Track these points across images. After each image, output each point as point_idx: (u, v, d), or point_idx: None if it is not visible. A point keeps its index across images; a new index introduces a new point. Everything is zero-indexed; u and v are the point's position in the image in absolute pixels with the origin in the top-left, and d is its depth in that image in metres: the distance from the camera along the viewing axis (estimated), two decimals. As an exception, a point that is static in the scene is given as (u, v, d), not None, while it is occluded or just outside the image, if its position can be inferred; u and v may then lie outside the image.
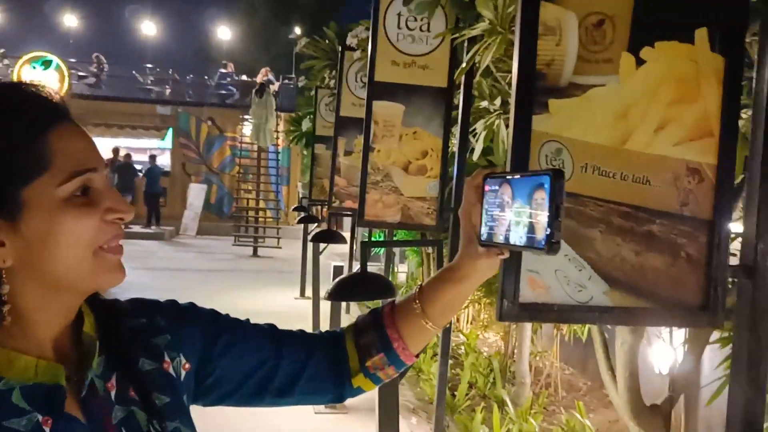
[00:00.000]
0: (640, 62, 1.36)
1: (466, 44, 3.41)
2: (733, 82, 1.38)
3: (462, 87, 3.52)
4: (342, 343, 0.98)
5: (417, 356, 1.01)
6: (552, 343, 5.67)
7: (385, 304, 1.00)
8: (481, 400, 5.06)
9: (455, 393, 5.05)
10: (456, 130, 3.64)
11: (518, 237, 0.85)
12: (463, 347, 6.13)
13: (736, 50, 1.38)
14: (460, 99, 3.55)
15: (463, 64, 3.42)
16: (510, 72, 3.51)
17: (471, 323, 6.93)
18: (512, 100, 1.33)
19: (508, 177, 0.89)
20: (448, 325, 3.62)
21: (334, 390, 0.98)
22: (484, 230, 0.92)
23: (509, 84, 3.66)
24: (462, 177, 3.64)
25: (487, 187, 0.93)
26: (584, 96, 1.35)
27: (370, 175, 3.60)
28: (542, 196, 0.80)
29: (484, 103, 3.78)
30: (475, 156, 3.81)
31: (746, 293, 1.37)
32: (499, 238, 0.89)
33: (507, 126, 3.80)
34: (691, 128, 1.37)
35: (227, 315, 0.99)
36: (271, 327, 1.00)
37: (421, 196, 3.63)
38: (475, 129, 3.71)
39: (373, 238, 6.15)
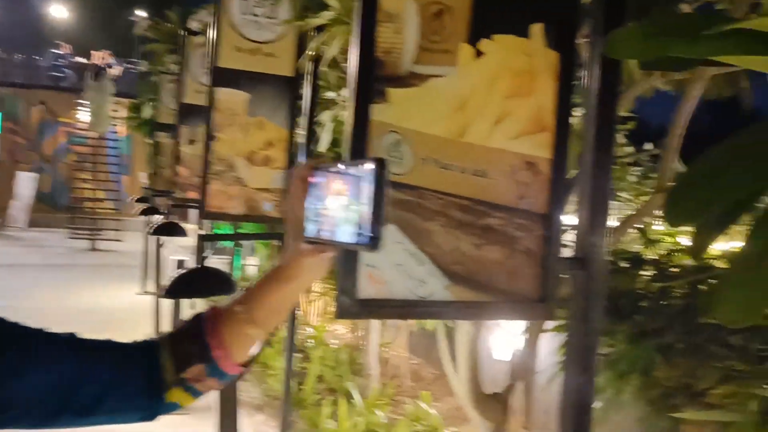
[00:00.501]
0: (478, 54, 1.35)
1: (312, 33, 3.35)
2: (566, 79, 1.40)
3: (308, 76, 3.45)
4: (156, 354, 0.88)
5: (246, 365, 0.91)
6: (399, 334, 5.75)
7: (208, 307, 0.90)
8: (329, 394, 5.03)
9: (304, 387, 4.99)
10: (302, 121, 3.56)
11: (344, 233, 0.78)
12: (312, 340, 6.08)
13: (568, 47, 1.40)
14: (306, 89, 3.47)
15: (309, 53, 3.35)
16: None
17: (320, 316, 6.89)
18: (350, 88, 1.27)
19: (333, 168, 0.83)
20: (291, 320, 3.54)
21: (145, 406, 0.87)
22: (309, 226, 0.86)
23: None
24: (308, 168, 3.57)
25: (313, 179, 0.86)
26: (424, 86, 1.32)
27: (213, 165, 3.43)
28: (367, 188, 0.74)
29: (331, 94, 3.73)
30: (322, 147, 3.76)
31: (579, 284, 1.40)
32: (325, 235, 0.82)
33: (354, 117, 3.78)
34: (528, 122, 1.38)
35: (15, 324, 0.84)
36: (71, 336, 0.87)
37: (266, 187, 3.52)
38: (321, 120, 3.65)
39: (217, 231, 5.94)
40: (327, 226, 0.82)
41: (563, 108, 1.40)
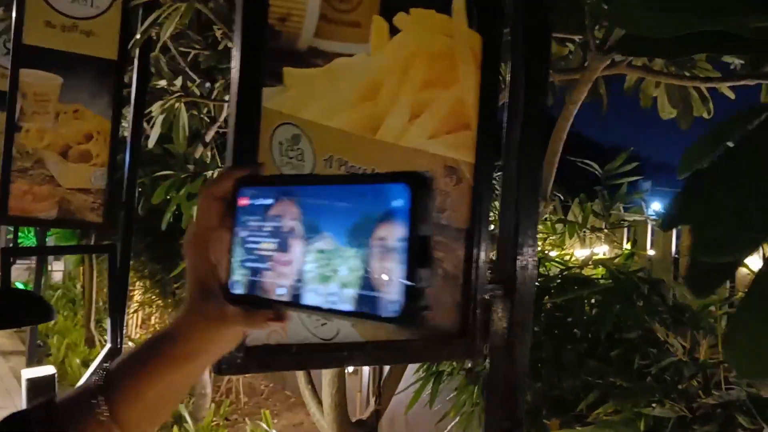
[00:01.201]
0: (393, 30, 1.08)
1: (141, 11, 2.90)
2: (490, 68, 1.17)
3: (136, 61, 3.00)
4: None
5: None
6: (232, 346, 5.31)
7: (37, 403, 0.55)
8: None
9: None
10: (128, 112, 3.09)
11: (328, 295, 0.47)
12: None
13: (493, 28, 1.17)
14: (133, 75, 3.02)
15: (138, 35, 2.90)
16: (195, 48, 3.07)
17: (141, 327, 6.27)
18: (234, 65, 0.95)
19: (292, 187, 0.52)
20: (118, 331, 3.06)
21: None
22: (238, 276, 0.54)
23: (194, 63, 3.22)
24: (135, 166, 3.12)
25: (244, 201, 0.55)
26: (328, 67, 1.02)
27: (17, 160, 2.87)
28: (388, 226, 0.43)
29: (163, 83, 3.29)
30: (151, 143, 3.31)
31: (503, 312, 1.17)
32: (277, 294, 0.51)
33: (188, 110, 3.36)
34: (447, 117, 1.13)
35: None
36: None
37: (85, 187, 3.00)
38: (151, 112, 3.20)
39: (20, 238, 5.17)
40: (281, 279, 0.50)
41: (487, 102, 1.17)
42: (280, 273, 0.51)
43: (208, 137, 3.83)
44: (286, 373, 4.88)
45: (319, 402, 2.31)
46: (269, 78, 0.96)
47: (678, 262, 2.69)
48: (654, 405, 1.83)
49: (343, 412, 2.21)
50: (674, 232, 2.76)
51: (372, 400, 2.34)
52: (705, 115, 2.44)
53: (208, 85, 3.22)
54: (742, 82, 1.77)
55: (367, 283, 0.45)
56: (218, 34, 2.73)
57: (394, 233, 0.43)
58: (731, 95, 2.34)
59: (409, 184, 0.44)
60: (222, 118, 3.68)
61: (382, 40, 1.06)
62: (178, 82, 3.31)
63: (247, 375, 5.59)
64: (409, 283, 0.42)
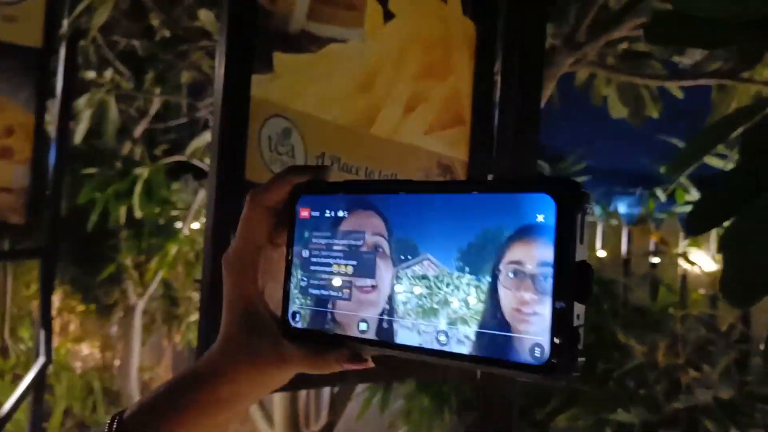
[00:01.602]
0: (387, 15, 0.98)
1: (68, -3, 2.70)
2: (485, 58, 1.10)
3: (63, 50, 2.80)
4: None
5: None
6: (162, 355, 5.09)
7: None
8: (79, 430, 4.26)
9: (47, 426, 4.17)
10: (54, 105, 2.88)
11: (434, 333, 0.37)
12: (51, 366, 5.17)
13: (488, 16, 1.10)
14: (60, 66, 2.81)
15: (66, 23, 2.71)
16: (128, 38, 2.89)
17: (60, 335, 5.92)
18: (219, 47, 0.84)
19: (372, 195, 0.41)
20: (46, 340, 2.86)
21: None
22: (299, 307, 0.43)
23: (125, 52, 3.03)
24: (62, 164, 2.91)
25: (305, 213, 0.44)
26: (321, 53, 0.92)
27: (-74, 157, 2.62)
28: (526, 247, 0.33)
29: (91, 74, 3.09)
30: (78, 138, 3.11)
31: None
32: (359, 330, 0.40)
33: (118, 103, 3.16)
34: (442, 111, 1.05)
35: None
36: None
37: (5, 186, 2.77)
38: (78, 105, 3.00)
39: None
40: (362, 310, 0.40)
41: (481, 96, 1.09)
42: (360, 303, 0.41)
43: (137, 132, 3.63)
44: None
45: (269, 414, 2.19)
46: (258, 63, 0.86)
47: (628, 263, 2.71)
48: (618, 410, 1.80)
49: (294, 425, 2.10)
50: (624, 233, 2.77)
51: (324, 413, 2.24)
52: (654, 115, 2.45)
53: (135, 77, 3.04)
54: (716, 81, 1.77)
55: (496, 319, 0.35)
56: (156, 23, 2.57)
57: (536, 256, 0.34)
58: (680, 95, 2.36)
59: (554, 193, 0.34)
60: (153, 113, 3.50)
61: (377, 25, 0.97)
62: (108, 74, 3.11)
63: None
64: (561, 321, 0.33)
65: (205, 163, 3.06)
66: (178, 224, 3.91)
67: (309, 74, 0.90)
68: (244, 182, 0.86)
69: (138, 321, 4.31)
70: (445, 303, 0.37)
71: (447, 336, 0.36)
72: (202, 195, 3.73)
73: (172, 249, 3.83)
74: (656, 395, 1.83)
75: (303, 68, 0.90)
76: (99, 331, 5.26)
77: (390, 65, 0.98)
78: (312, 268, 0.43)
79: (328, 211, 0.43)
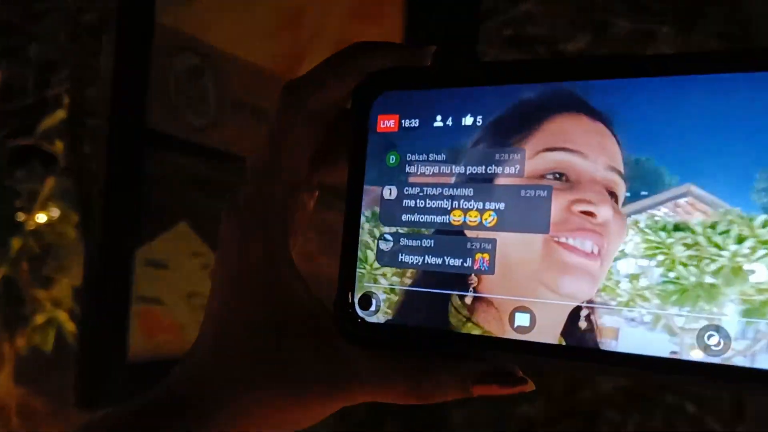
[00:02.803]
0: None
1: None
2: (417, 3, 0.97)
3: None
4: None
5: None
6: (2, 363, 4.58)
7: None
8: None
9: None
10: None
11: (707, 334, 0.19)
12: None
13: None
14: None
15: None
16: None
17: None
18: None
19: (604, 79, 0.22)
20: None
21: None
22: (375, 284, 0.25)
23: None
24: None
25: (391, 122, 0.25)
26: (239, -22, 0.76)
27: None
28: None
29: None
30: None
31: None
32: (518, 326, 0.22)
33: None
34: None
35: None
36: None
37: None
38: None
39: None
40: (540, 291, 0.22)
41: (415, 44, 0.96)
42: (518, 276, 0.23)
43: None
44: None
45: None
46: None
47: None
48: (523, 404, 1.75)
49: None
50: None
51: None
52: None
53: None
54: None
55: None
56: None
57: None
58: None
59: None
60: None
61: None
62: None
63: (21, 393, 4.87)
64: None
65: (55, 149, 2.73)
66: (22, 216, 3.52)
67: (229, 1, 0.74)
68: (144, 130, 0.68)
69: (-25, 326, 3.84)
70: (734, 275, 0.20)
71: (732, 337, 0.20)
72: (51, 184, 3.36)
73: (16, 244, 3.43)
74: (558, 387, 1.80)
75: (218, -7, 0.73)
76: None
77: (318, 1, 0.83)
78: (406, 217, 0.25)
79: (441, 118, 0.25)
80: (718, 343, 0.20)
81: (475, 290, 0.24)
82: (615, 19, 1.02)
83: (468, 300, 0.24)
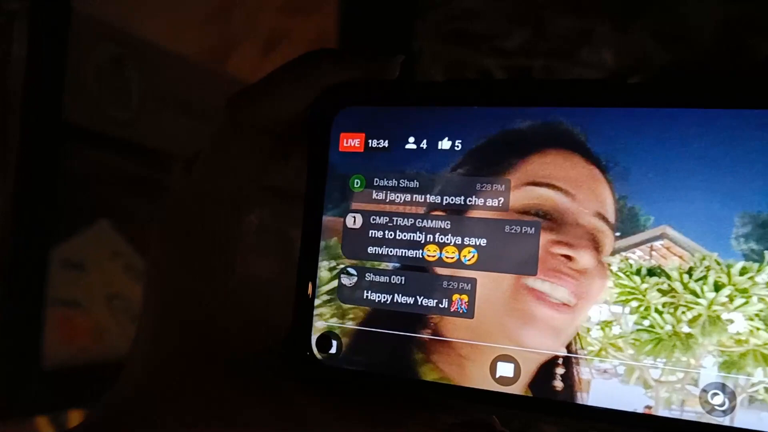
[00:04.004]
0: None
1: None
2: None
3: None
4: None
5: None
6: None
7: None
8: None
9: None
10: None
11: (684, 387, 0.17)
12: None
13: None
14: None
15: None
16: None
17: None
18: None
19: (586, 107, 0.20)
20: None
21: None
22: (335, 322, 0.22)
23: None
24: None
25: (355, 142, 0.22)
26: (165, -36, 0.72)
27: None
28: None
29: None
30: None
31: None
32: (499, 377, 0.20)
33: None
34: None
35: None
36: None
37: None
38: None
39: None
40: (516, 337, 0.20)
41: (348, 37, 0.94)
42: (498, 321, 0.21)
43: None
44: None
45: None
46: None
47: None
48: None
49: None
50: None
51: None
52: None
53: None
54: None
55: None
56: None
57: None
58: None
59: None
60: None
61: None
62: None
63: None
64: None
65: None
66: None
67: (150, -11, 0.70)
68: (60, 123, 0.64)
69: None
70: (711, 325, 0.19)
71: (715, 393, 0.18)
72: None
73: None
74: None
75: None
76: None
77: (249, -9, 0.80)
78: (372, 249, 0.23)
79: (414, 140, 0.22)
80: (709, 400, 0.19)
81: (450, 335, 0.21)
82: (554, 16, 1.02)
83: (442, 346, 0.22)
